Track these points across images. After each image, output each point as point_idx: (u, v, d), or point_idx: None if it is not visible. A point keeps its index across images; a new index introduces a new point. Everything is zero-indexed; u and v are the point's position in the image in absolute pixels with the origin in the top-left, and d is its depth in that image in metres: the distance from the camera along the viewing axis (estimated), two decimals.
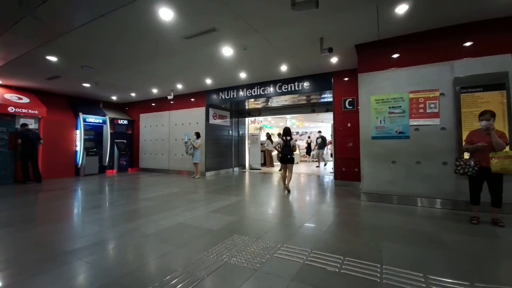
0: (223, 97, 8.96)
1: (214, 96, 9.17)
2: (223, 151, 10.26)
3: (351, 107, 6.68)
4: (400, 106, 4.72)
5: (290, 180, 5.97)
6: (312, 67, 6.67)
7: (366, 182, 4.95)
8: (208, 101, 9.34)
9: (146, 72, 7.03)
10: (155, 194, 5.87)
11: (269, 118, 15.04)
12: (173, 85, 8.56)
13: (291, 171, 5.93)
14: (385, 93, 4.84)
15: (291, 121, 15.77)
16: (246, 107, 11.01)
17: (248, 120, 12.23)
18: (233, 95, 8.74)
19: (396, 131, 4.73)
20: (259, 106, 10.74)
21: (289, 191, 5.84)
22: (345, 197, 5.41)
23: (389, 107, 4.80)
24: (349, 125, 6.69)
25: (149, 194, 5.99)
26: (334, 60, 6.04)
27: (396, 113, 4.74)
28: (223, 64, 6.40)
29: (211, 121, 9.61)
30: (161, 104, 10.57)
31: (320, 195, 5.68)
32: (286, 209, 4.59)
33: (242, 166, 11.52)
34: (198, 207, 4.59)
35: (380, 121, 4.86)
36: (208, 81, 8.07)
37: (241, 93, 8.56)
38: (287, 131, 6.14)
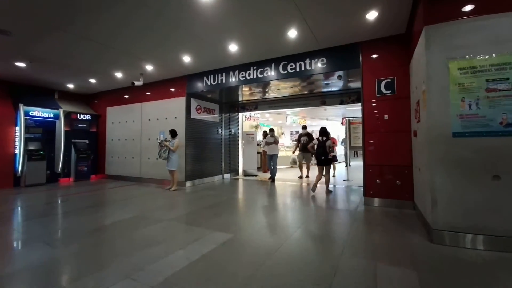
0: (209, 83, 6.81)
1: (198, 82, 7.02)
2: (210, 154, 8.10)
3: (389, 91, 4.61)
4: (508, 79, 2.67)
5: (328, 182, 5.94)
6: (334, 32, 4.58)
7: (442, 211, 2.87)
8: (189, 89, 7.18)
9: (92, 39, 4.84)
10: (96, 225, 3.71)
11: (267, 114, 12.96)
12: (142, 65, 6.38)
13: (328, 173, 5.91)
14: (479, 56, 2.78)
15: (292, 118, 13.72)
16: (240, 99, 8.88)
17: (242, 115, 10.12)
18: (222, 80, 6.60)
19: (502, 123, 2.67)
20: (256, 98, 8.62)
21: (330, 192, 5.87)
22: (396, 231, 3.32)
23: (486, 80, 2.74)
24: (386, 117, 4.62)
25: (87, 224, 3.81)
26: (371, 16, 3.94)
27: (502, 90, 2.68)
28: (201, 25, 4.27)
29: (194, 115, 7.46)
30: (132, 94, 8.37)
31: (353, 228, 3.58)
32: (314, 270, 2.48)
33: (235, 171, 9.38)
34: (143, 265, 2.44)
35: (470, 105, 2.79)
36: (187, 59, 5.91)
37: (232, 77, 6.44)
38: (324, 131, 5.94)
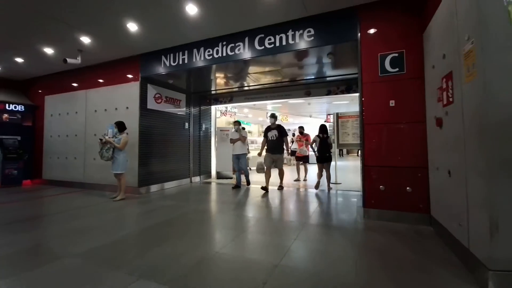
0: (168, 64, 5.43)
1: (154, 64, 5.60)
2: (174, 154, 6.70)
3: (397, 69, 3.52)
4: None
5: (330, 178, 5.87)
6: None
7: (508, 242, 1.77)
8: (144, 72, 5.75)
9: None
10: None
11: (246, 110, 11.73)
12: (77, 38, 4.88)
13: (328, 170, 5.81)
14: None
15: None
16: (212, 89, 7.54)
17: (215, 109, 8.80)
18: (184, 59, 5.25)
19: None
20: (230, 87, 7.32)
21: (330, 188, 5.79)
22: (425, 270, 2.19)
23: None
24: (392, 103, 3.53)
25: None
26: None
27: None
28: None
29: (152, 105, 6.04)
30: (75, 79, 6.77)
31: (360, 266, 2.42)
32: None
33: (207, 174, 8.05)
34: None
35: None
36: (134, 28, 4.49)
37: (196, 56, 5.11)
38: (324, 129, 5.97)
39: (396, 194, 3.45)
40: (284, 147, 5.86)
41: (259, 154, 6.27)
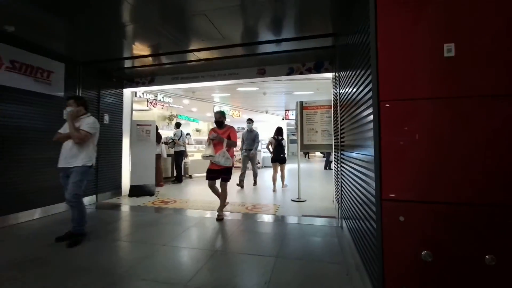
0: None
1: None
2: (37, 162, 3.89)
3: None
4: None
5: (285, 179, 6.28)
6: None
7: None
8: None
9: None
10: None
11: (186, 101, 9.15)
12: None
13: (283, 170, 6.21)
14: None
15: (222, 108, 10.23)
16: (121, 58, 4.82)
17: (131, 94, 6.11)
18: None
19: None
20: (145, 53, 4.72)
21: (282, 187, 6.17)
22: None
23: None
24: (449, 50, 1.46)
25: None
26: None
27: None
28: None
29: None
30: None
31: None
32: None
33: (115, 189, 5.37)
34: None
35: None
36: None
37: None
38: (280, 131, 6.24)
39: (460, 270, 1.42)
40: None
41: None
